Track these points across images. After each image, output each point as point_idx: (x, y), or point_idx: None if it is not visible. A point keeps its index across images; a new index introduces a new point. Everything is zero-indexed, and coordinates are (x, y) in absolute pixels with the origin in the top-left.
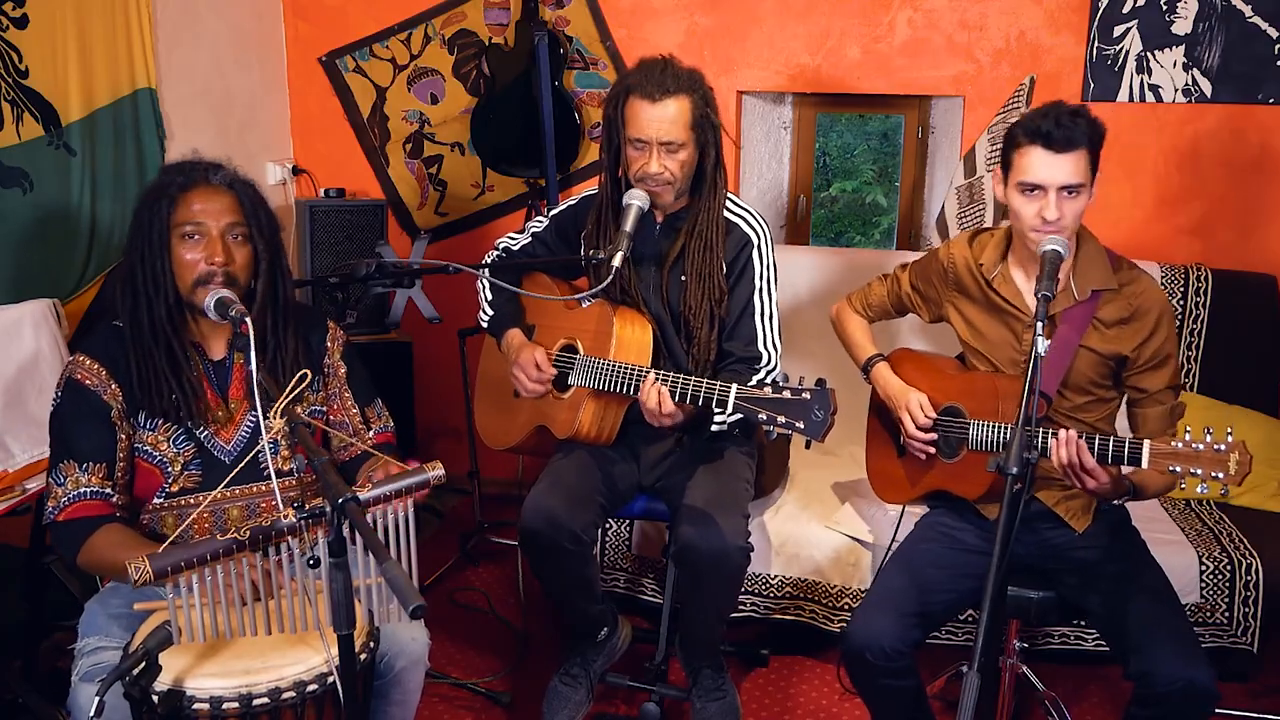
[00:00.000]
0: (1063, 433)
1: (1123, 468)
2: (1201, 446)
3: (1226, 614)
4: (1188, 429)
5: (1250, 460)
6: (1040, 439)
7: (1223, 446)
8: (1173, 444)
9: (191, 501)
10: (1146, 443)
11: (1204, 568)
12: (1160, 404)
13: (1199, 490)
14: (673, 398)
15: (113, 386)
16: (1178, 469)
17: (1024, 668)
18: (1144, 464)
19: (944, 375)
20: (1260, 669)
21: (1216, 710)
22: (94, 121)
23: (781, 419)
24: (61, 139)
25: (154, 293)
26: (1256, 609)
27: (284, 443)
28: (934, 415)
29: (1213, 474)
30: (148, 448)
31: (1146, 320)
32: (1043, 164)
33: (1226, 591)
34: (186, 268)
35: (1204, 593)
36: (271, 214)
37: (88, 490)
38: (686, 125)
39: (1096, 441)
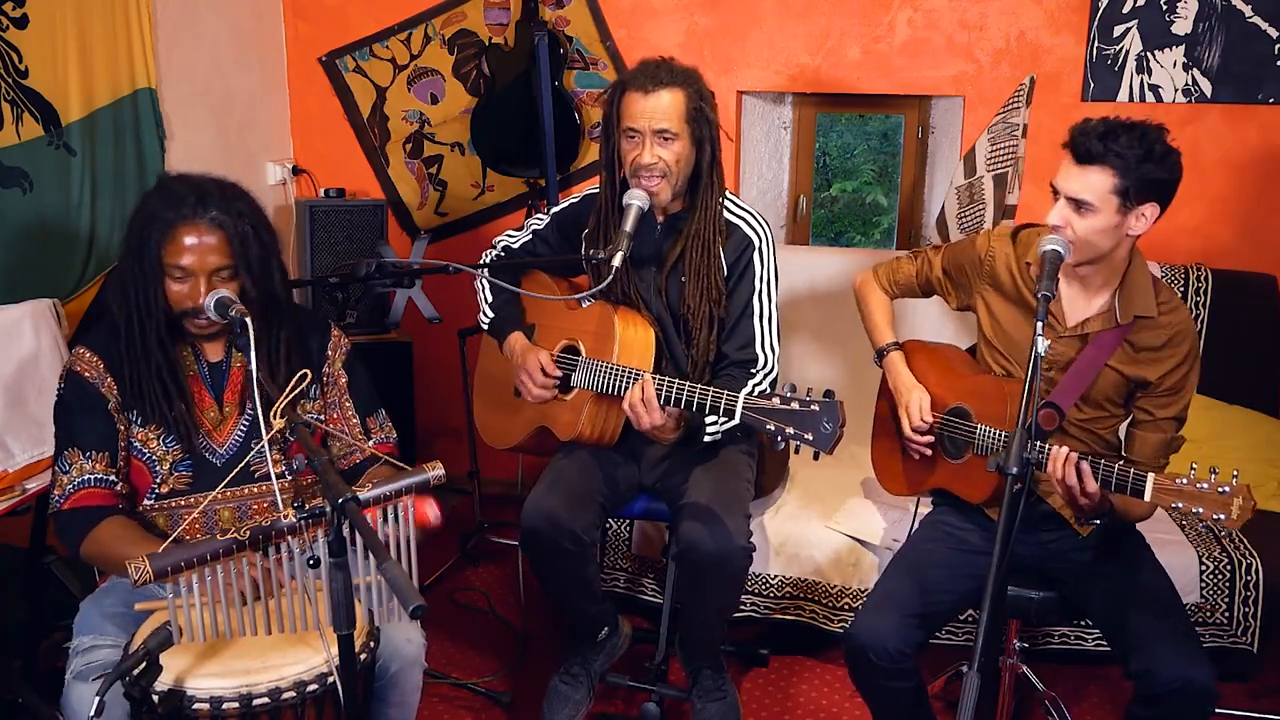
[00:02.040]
0: (1061, 450)
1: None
2: (1206, 486)
3: (1226, 614)
4: (1193, 466)
5: (1254, 506)
6: (1041, 450)
7: (1227, 489)
8: (1177, 481)
9: (182, 503)
10: (1151, 476)
11: (1204, 568)
12: (1161, 432)
13: (1199, 528)
14: (678, 405)
15: (109, 380)
16: (1180, 506)
17: (1024, 668)
18: (1146, 497)
19: (955, 373)
20: (1260, 669)
21: (1216, 710)
22: (94, 121)
23: (790, 430)
24: (61, 139)
25: (145, 314)
26: (1256, 609)
27: (277, 446)
28: (930, 419)
29: (1214, 515)
30: (138, 444)
31: (1178, 351)
32: (1064, 171)
33: (1226, 591)
34: (174, 298)
35: (1204, 593)
36: (264, 241)
37: (92, 478)
38: (680, 117)
39: (1102, 467)
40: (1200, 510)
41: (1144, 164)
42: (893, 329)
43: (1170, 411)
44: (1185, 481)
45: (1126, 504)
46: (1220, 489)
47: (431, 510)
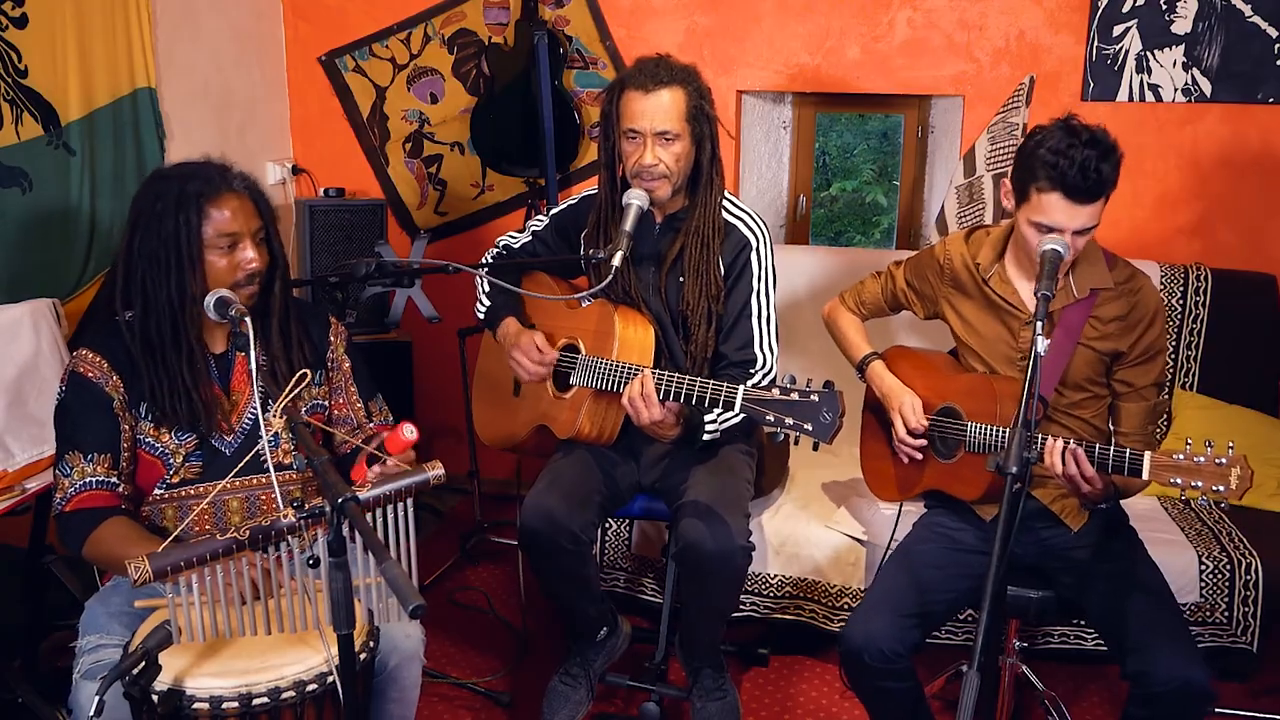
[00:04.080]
0: (1056, 443)
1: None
2: (1203, 459)
3: (1226, 614)
4: (1188, 441)
5: (1251, 475)
6: (1039, 443)
7: (1224, 460)
8: (1174, 456)
9: (192, 493)
10: (1147, 454)
11: (1204, 567)
12: (1144, 400)
13: (1199, 502)
14: (677, 399)
15: (114, 378)
16: (1179, 481)
17: (1024, 667)
18: (1144, 475)
19: (941, 375)
20: (1259, 669)
21: (1216, 710)
22: (93, 121)
23: (789, 420)
24: (61, 139)
25: (179, 304)
26: (1256, 608)
27: (285, 436)
28: (925, 421)
29: (1214, 487)
30: (149, 439)
31: (1143, 316)
32: (1062, 211)
33: (1226, 591)
34: (222, 274)
35: (1204, 592)
36: (271, 206)
37: (93, 480)
38: (681, 116)
39: (1097, 450)
40: (1199, 483)
41: (1117, 173)
42: (868, 343)
43: (1148, 379)
44: (1182, 457)
45: (1126, 482)
46: (1217, 460)
47: (407, 429)
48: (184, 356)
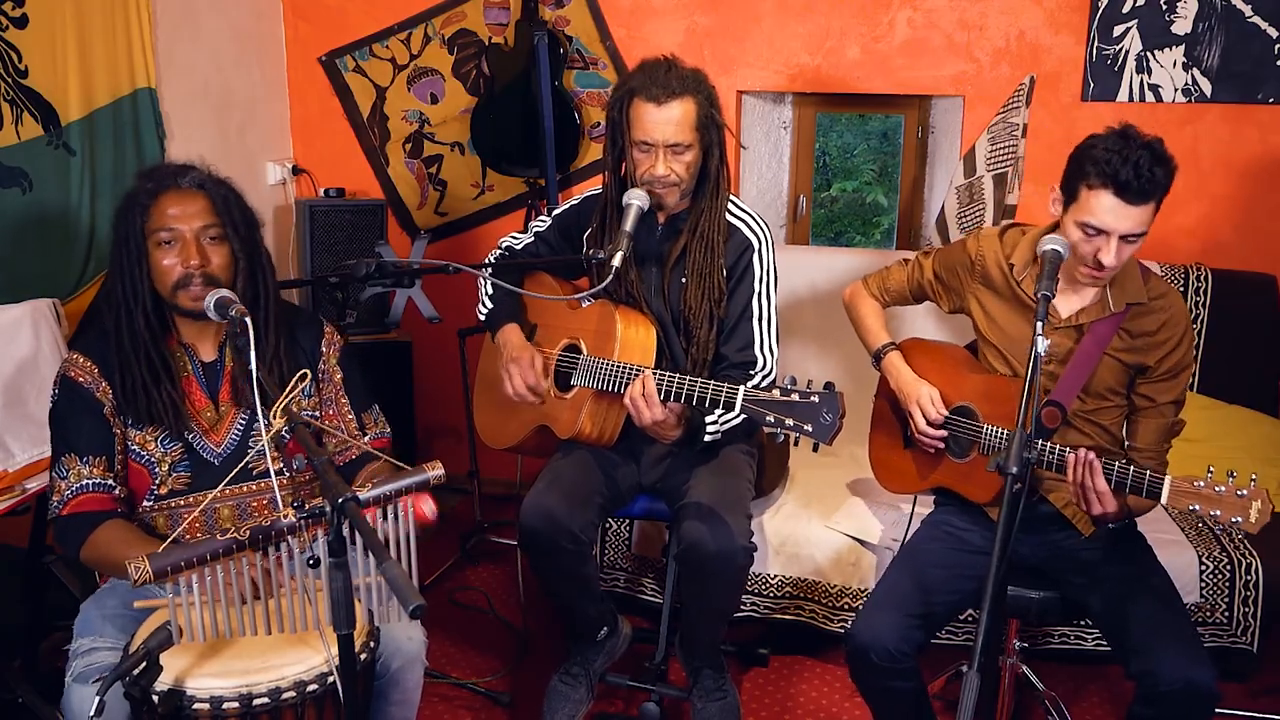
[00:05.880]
0: (1080, 452)
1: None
2: (1224, 489)
3: (1226, 614)
4: (1210, 468)
5: (1272, 509)
6: (1056, 453)
7: (1245, 492)
8: (1195, 483)
9: (181, 503)
10: (1168, 479)
11: (1204, 567)
12: (1162, 417)
13: (1200, 526)
14: (678, 400)
15: (103, 384)
16: (1197, 508)
17: (1024, 667)
18: (1164, 499)
19: (958, 372)
20: (1259, 669)
21: (1216, 710)
22: (93, 121)
23: (789, 421)
24: (61, 139)
25: (133, 302)
26: (1256, 609)
27: (274, 443)
28: (944, 412)
29: (1232, 519)
30: (136, 447)
31: (1174, 334)
32: (1112, 211)
33: (1226, 591)
34: (165, 273)
35: (1204, 592)
36: (247, 210)
37: (90, 483)
38: (692, 127)
39: (1115, 470)
40: (1218, 513)
41: (1171, 180)
42: (887, 331)
43: (1170, 396)
44: (1203, 484)
45: (1138, 502)
46: (1239, 492)
47: (428, 506)
48: (140, 352)
